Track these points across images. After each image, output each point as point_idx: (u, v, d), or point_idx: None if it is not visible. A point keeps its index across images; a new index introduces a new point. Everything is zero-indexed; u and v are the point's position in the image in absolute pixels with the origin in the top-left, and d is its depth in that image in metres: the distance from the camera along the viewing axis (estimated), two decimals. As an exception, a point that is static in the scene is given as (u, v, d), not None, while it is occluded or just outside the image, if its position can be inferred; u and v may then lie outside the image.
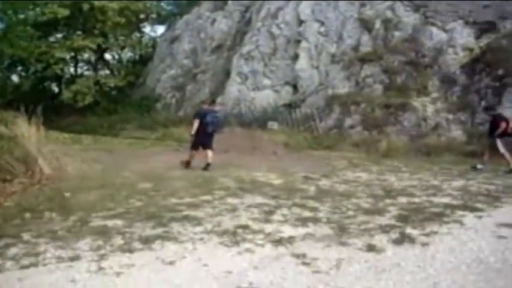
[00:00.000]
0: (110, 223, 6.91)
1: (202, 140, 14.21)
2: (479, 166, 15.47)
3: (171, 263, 5.26)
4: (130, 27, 37.29)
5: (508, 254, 5.68)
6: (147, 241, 6.01)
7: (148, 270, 5.05)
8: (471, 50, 24.27)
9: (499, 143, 15.53)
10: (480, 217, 7.76)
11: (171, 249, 5.75)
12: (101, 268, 5.08)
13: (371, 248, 5.85)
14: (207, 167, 13.80)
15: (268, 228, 6.76)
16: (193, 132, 14.28)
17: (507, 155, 15.42)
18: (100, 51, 38.29)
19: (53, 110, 30.70)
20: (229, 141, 19.43)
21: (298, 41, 28.25)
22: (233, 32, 33.39)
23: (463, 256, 5.61)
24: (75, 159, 13.37)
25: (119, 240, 6.05)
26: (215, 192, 9.74)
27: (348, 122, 23.40)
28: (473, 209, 8.35)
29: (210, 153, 14.17)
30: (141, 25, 41.57)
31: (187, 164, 14.20)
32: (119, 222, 6.96)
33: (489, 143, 15.96)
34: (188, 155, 14.42)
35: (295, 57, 27.99)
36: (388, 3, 27.15)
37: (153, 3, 40.81)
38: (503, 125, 15.48)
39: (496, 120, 15.87)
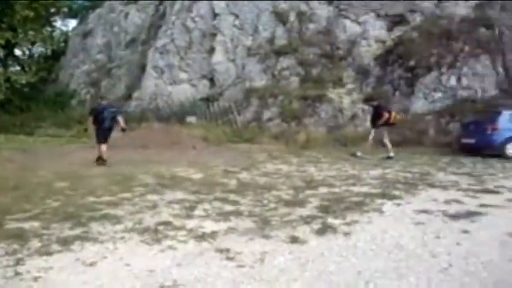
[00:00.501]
0: (26, 225, 6.57)
1: (104, 135, 14.33)
2: (358, 153, 16.28)
3: (92, 264, 5.04)
4: (40, 21, 35.84)
5: (426, 240, 5.80)
6: (65, 242, 5.74)
7: (67, 272, 4.81)
8: (384, 42, 24.95)
9: (380, 132, 16.61)
10: (399, 204, 7.93)
11: (91, 249, 5.52)
12: (17, 273, 4.78)
13: (294, 239, 5.83)
14: (99, 160, 14.05)
15: (190, 224, 6.63)
16: (88, 128, 14.90)
17: (389, 144, 16.34)
18: (9, 47, 36.74)
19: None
20: (147, 137, 19.18)
21: (214, 35, 28.14)
22: (147, 26, 32.89)
23: (384, 243, 5.68)
24: (-15, 159, 12.82)
25: (36, 243, 5.74)
26: (135, 189, 9.50)
27: (267, 114, 23.53)
28: (391, 197, 8.53)
29: (103, 147, 14.25)
30: (52, 19, 40.13)
31: (100, 160, 14.19)
32: (35, 224, 6.63)
33: (372, 133, 16.67)
34: (98, 152, 14.29)
35: (211, 50, 27.87)
36: (302, -5, 27.45)
37: (63, -4, 39.41)
38: (386, 115, 16.24)
39: (378, 111, 16.52)
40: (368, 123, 18.63)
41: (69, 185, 10.00)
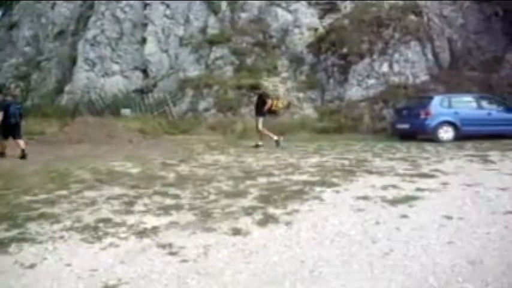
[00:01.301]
0: (-45, 229, 6.36)
1: (10, 130, 14.71)
2: (260, 143, 16.27)
3: (32, 266, 4.89)
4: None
5: (367, 226, 5.90)
6: (2, 245, 5.56)
7: (6, 276, 4.66)
8: (316, 29, 25.17)
9: (260, 120, 16.64)
10: (338, 192, 8.03)
11: (29, 251, 5.35)
12: (-51, 280, 4.64)
13: (237, 231, 5.82)
14: (23, 155, 14.28)
15: (131, 219, 6.53)
16: None
17: (266, 131, 16.64)
18: None
19: None
20: (81, 131, 18.81)
21: (145, 25, 27.81)
22: (76, 17, 32.16)
23: (325, 231, 5.74)
24: None
25: (-31, 247, 5.57)
26: (71, 186, 9.28)
27: (202, 105, 23.45)
28: (330, 185, 8.62)
29: (21, 142, 14.69)
30: (-26, 11, 38.60)
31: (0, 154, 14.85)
32: (-34, 227, 6.42)
33: (260, 121, 16.83)
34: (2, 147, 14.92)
35: (143, 41, 27.57)
36: (233, -15, 27.41)
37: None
38: (269, 101, 16.48)
39: (262, 99, 16.76)
40: (303, 111, 18.81)
41: (2, 183, 9.71)
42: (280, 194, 7.88)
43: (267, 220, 6.30)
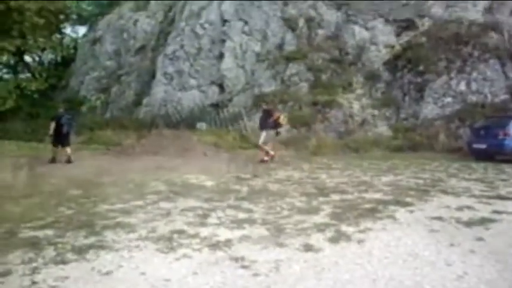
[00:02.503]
0: (40, 234, 6.64)
1: (61, 139, 16.55)
2: (265, 158, 16.25)
3: (108, 273, 5.06)
4: (50, 28, 35.93)
5: (441, 248, 5.81)
6: (80, 251, 5.78)
7: (84, 282, 4.84)
8: (392, 47, 24.92)
9: (264, 134, 16.55)
10: (412, 211, 7.92)
11: (106, 258, 5.54)
12: (34, 282, 4.85)
13: (308, 247, 5.84)
14: (69, 160, 16.09)
15: (204, 232, 6.65)
16: (51, 132, 16.66)
17: (264, 146, 16.60)
18: (19, 54, 36.95)
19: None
20: (157, 143, 19.22)
21: (223, 41, 28.21)
22: (156, 32, 33.08)
23: (398, 251, 5.69)
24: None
25: (51, 252, 5.80)
26: (147, 196, 9.54)
27: (276, 120, 23.50)
28: (404, 204, 8.52)
29: (68, 149, 16.47)
30: (62, 26, 40.25)
31: (52, 160, 16.25)
32: (49, 233, 6.69)
33: (263, 135, 16.74)
34: (52, 152, 16.50)
35: (221, 56, 27.95)
36: (310, 2, 27.55)
37: (72, 3, 39.58)
38: (276, 113, 16.48)
39: (269, 113, 16.68)
40: (377, 128, 18.65)
41: (82, 192, 10.06)
42: (353, 212, 7.84)
43: (339, 237, 6.29)
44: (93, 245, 6.03)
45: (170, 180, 11.98)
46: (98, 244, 6.09)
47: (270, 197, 9.52)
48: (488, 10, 24.58)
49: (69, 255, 5.66)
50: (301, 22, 27.27)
